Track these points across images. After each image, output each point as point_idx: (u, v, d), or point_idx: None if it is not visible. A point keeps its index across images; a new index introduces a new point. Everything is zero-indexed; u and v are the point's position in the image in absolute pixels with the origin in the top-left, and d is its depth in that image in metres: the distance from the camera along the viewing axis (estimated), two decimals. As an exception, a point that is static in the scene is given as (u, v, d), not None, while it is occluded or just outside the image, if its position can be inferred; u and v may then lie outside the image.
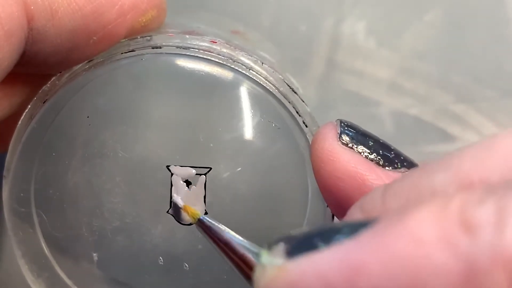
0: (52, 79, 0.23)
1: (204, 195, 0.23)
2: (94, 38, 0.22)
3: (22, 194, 0.23)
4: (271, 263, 0.14)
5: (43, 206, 0.23)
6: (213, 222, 0.20)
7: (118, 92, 0.23)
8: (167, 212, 0.23)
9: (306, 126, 0.23)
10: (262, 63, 0.23)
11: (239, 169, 0.23)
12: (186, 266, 0.23)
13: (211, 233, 0.20)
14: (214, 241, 0.20)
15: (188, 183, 0.23)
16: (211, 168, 0.23)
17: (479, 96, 0.36)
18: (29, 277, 0.24)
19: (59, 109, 0.23)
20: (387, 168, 0.20)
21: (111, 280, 0.24)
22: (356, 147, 0.20)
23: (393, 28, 0.36)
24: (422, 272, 0.13)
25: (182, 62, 0.23)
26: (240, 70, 0.23)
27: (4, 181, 0.23)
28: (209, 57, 0.23)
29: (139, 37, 0.23)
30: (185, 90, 0.23)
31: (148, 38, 0.23)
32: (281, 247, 0.14)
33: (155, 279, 0.24)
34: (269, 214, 0.23)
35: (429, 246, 0.13)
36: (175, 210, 0.23)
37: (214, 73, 0.23)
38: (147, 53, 0.22)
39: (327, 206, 0.22)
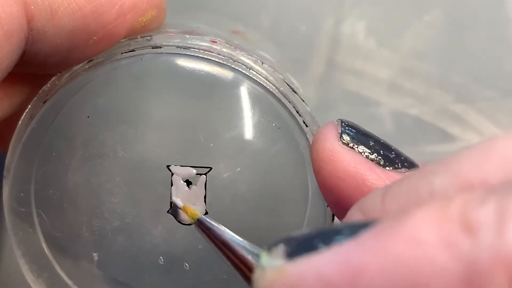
0: (52, 79, 0.23)
1: (204, 195, 0.23)
2: (94, 38, 0.22)
3: (22, 194, 0.23)
4: (271, 265, 0.14)
5: (43, 206, 0.23)
6: (212, 222, 0.20)
7: (118, 92, 0.23)
8: (167, 212, 0.23)
9: (306, 126, 0.23)
10: (262, 63, 0.23)
11: (239, 169, 0.23)
12: (186, 266, 0.23)
13: (210, 233, 0.20)
14: (213, 242, 0.19)
15: (188, 183, 0.23)
16: (211, 168, 0.23)
17: (479, 96, 0.36)
18: (29, 277, 0.24)
19: (59, 109, 0.23)
20: (387, 168, 0.20)
21: (111, 280, 0.24)
22: (357, 147, 0.20)
23: (393, 28, 0.36)
24: (423, 273, 0.12)
25: (182, 62, 0.23)
26: (240, 70, 0.23)
27: (4, 181, 0.23)
28: (209, 57, 0.23)
29: (139, 37, 0.23)
30: (185, 90, 0.23)
31: (148, 38, 0.23)
32: (281, 249, 0.14)
33: (155, 279, 0.24)
34: (269, 214, 0.23)
35: (430, 247, 0.13)
36: (175, 210, 0.23)
37: (214, 73, 0.23)
38: (147, 53, 0.22)
39: (327, 206, 0.22)
